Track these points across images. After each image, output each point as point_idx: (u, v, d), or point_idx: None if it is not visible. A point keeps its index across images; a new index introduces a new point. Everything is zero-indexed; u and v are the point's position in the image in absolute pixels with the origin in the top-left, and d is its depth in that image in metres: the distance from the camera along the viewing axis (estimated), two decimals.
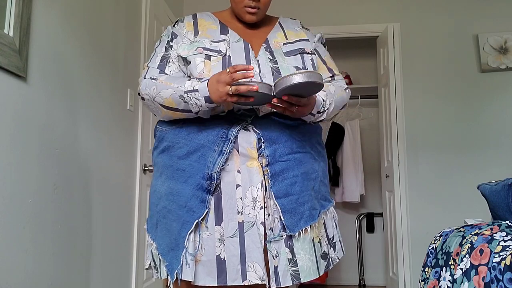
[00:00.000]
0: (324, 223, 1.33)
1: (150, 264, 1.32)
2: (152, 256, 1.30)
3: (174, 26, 1.39)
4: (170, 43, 1.35)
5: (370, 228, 4.29)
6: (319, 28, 3.53)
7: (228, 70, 1.13)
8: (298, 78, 1.09)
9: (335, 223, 1.40)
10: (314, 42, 1.44)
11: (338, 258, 1.39)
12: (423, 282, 1.83)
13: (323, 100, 1.30)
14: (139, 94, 1.32)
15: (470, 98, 3.42)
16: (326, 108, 1.31)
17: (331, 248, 1.36)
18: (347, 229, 4.27)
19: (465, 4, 3.53)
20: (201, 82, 1.18)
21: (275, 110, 1.23)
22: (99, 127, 2.12)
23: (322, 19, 3.64)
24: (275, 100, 1.16)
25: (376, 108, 4.12)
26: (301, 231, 1.22)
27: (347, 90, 1.44)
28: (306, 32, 1.45)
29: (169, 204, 1.24)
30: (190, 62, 1.28)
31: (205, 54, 1.27)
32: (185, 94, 1.19)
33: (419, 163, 3.40)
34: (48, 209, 1.68)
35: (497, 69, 3.39)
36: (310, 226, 1.25)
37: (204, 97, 1.16)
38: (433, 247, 1.86)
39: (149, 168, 2.73)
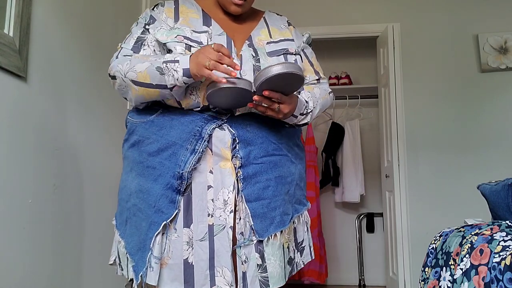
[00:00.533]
0: (294, 228, 1.29)
1: (115, 260, 1.28)
2: (118, 253, 1.26)
3: (153, 9, 1.31)
4: (147, 27, 1.26)
5: (370, 228, 4.29)
6: (319, 28, 3.53)
7: (212, 46, 1.08)
8: (278, 69, 1.05)
9: (307, 227, 1.35)
10: (303, 43, 1.39)
11: (303, 263, 1.33)
12: (423, 282, 1.83)
13: (306, 101, 1.25)
14: (109, 74, 1.22)
15: (470, 98, 3.41)
16: (310, 110, 1.27)
17: (298, 252, 1.31)
18: (347, 229, 4.27)
19: (465, 4, 3.53)
20: (184, 55, 1.13)
21: (254, 110, 1.17)
22: (99, 127, 2.12)
23: (322, 19, 3.64)
24: (256, 97, 1.11)
25: (376, 108, 4.12)
26: (270, 237, 1.17)
27: (331, 94, 1.40)
28: (292, 31, 1.39)
29: (139, 202, 1.18)
30: (169, 51, 1.21)
31: (185, 44, 1.19)
32: (164, 65, 1.11)
33: (419, 163, 3.40)
34: (47, 209, 1.68)
35: (497, 69, 3.39)
36: (281, 231, 1.20)
37: (183, 69, 1.09)
38: (433, 247, 1.86)
39: None
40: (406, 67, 3.49)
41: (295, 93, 1.21)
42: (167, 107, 1.21)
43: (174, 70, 1.10)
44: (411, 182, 3.37)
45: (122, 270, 1.25)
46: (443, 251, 1.74)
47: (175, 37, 1.21)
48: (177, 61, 1.11)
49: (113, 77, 1.21)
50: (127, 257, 1.20)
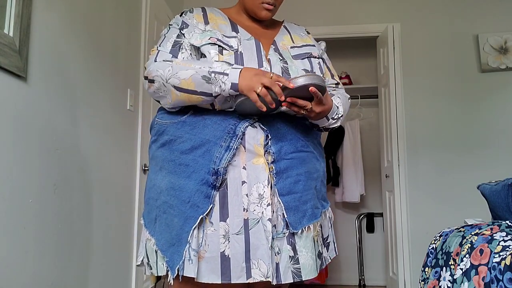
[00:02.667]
0: (320, 224, 1.34)
1: (142, 260, 1.29)
2: (146, 252, 1.27)
3: (181, 15, 1.36)
4: (182, 31, 1.31)
5: (370, 228, 4.29)
6: (319, 28, 3.53)
7: (271, 75, 1.14)
8: (303, 80, 1.12)
9: (331, 224, 1.42)
10: (321, 50, 1.47)
11: (330, 258, 1.39)
12: (423, 282, 1.83)
13: (337, 107, 1.32)
14: (146, 77, 1.25)
15: (470, 98, 3.42)
16: (340, 115, 1.33)
17: (325, 248, 1.36)
18: (347, 229, 4.27)
19: (465, 4, 3.53)
20: (233, 68, 1.17)
21: (284, 109, 1.22)
22: (99, 127, 2.12)
23: (322, 19, 3.65)
24: (286, 102, 1.17)
25: (376, 108, 4.12)
26: (303, 229, 1.22)
27: (349, 100, 1.47)
28: (311, 38, 1.48)
29: (170, 199, 1.21)
30: (203, 55, 1.27)
31: (218, 46, 1.25)
32: (212, 75, 1.16)
33: (419, 163, 3.40)
34: (48, 209, 1.68)
35: (497, 69, 3.39)
36: (313, 224, 1.25)
37: (231, 83, 1.14)
38: (433, 247, 1.86)
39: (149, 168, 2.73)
40: (406, 67, 3.50)
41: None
42: (198, 108, 1.25)
43: (223, 82, 1.15)
44: (411, 182, 3.37)
45: (151, 269, 1.25)
46: (443, 251, 1.74)
47: (209, 38, 1.26)
48: (226, 74, 1.15)
49: (151, 81, 1.24)
50: (157, 254, 1.22)
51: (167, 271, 1.18)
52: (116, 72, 2.35)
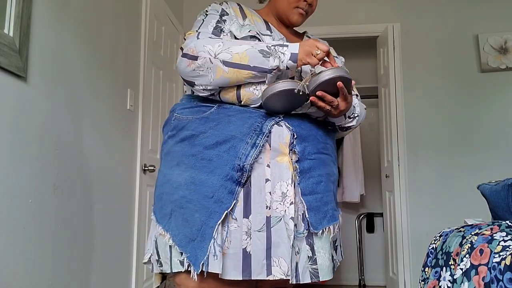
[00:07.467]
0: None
1: (150, 257, 1.26)
2: (157, 248, 1.23)
3: (221, 4, 1.35)
4: (222, 18, 1.29)
5: (370, 228, 4.29)
6: (319, 28, 3.53)
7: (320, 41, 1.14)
8: (331, 73, 1.12)
9: (339, 228, 1.42)
10: (342, 63, 1.49)
11: (338, 262, 1.39)
12: (423, 282, 1.83)
13: (354, 106, 1.32)
14: (186, 55, 1.19)
15: (470, 98, 3.42)
16: (356, 115, 1.33)
17: (334, 250, 1.36)
18: (347, 229, 4.27)
19: (465, 4, 3.53)
20: (290, 43, 1.18)
21: (310, 111, 1.22)
22: (99, 127, 2.12)
23: (322, 19, 3.64)
24: (312, 98, 1.17)
25: (376, 108, 4.12)
26: (324, 230, 1.22)
27: (365, 109, 1.47)
28: (333, 51, 1.49)
29: (190, 194, 1.18)
30: None
31: (258, 39, 1.25)
32: (272, 47, 1.15)
33: (419, 163, 3.40)
34: (48, 209, 1.68)
35: (497, 69, 3.39)
36: (332, 225, 1.25)
37: (291, 53, 1.15)
38: (433, 247, 1.86)
39: (149, 168, 2.73)
40: (406, 67, 3.50)
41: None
42: (222, 104, 1.25)
43: (282, 53, 1.14)
44: (411, 182, 3.37)
45: (161, 266, 1.22)
46: (443, 251, 1.74)
47: (248, 31, 1.26)
48: (286, 46, 1.16)
49: (193, 57, 1.18)
50: (172, 250, 1.19)
51: (188, 266, 1.14)
52: (116, 72, 2.35)
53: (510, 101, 3.38)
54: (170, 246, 1.19)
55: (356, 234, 4.23)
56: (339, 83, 1.13)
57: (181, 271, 1.17)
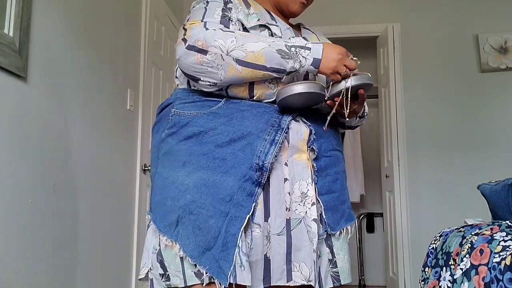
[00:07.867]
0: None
1: (147, 273, 1.12)
2: (161, 261, 1.09)
3: None
4: (227, 6, 1.17)
5: (370, 228, 4.29)
6: (319, 28, 3.52)
7: (353, 58, 1.08)
8: (360, 79, 1.08)
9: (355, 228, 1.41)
10: None
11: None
12: (423, 282, 1.83)
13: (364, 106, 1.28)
14: (192, 47, 1.06)
15: (470, 98, 3.42)
16: (366, 114, 1.31)
17: None
18: None
19: (465, 4, 3.53)
20: (312, 43, 1.08)
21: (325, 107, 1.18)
22: (99, 127, 2.12)
23: (322, 19, 3.64)
24: (329, 102, 1.12)
25: (376, 108, 4.12)
26: (342, 230, 1.16)
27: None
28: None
29: (201, 198, 1.05)
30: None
31: (268, 29, 1.16)
32: (292, 49, 1.05)
33: (419, 163, 3.40)
34: (48, 209, 1.68)
35: (497, 69, 3.39)
36: (350, 225, 1.19)
37: (313, 58, 1.05)
38: (433, 247, 1.86)
39: (149, 168, 2.73)
40: (406, 67, 3.50)
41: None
42: (230, 98, 1.13)
43: (303, 57, 1.06)
44: (411, 182, 3.37)
45: (167, 280, 1.08)
46: (443, 251, 1.74)
47: (257, 20, 1.17)
48: (308, 49, 1.06)
49: (202, 51, 1.05)
50: (185, 262, 1.05)
51: (210, 278, 1.02)
52: (116, 72, 2.35)
53: (510, 101, 3.38)
54: (181, 258, 1.06)
55: (356, 234, 4.22)
56: (360, 91, 1.09)
57: (194, 284, 1.05)
